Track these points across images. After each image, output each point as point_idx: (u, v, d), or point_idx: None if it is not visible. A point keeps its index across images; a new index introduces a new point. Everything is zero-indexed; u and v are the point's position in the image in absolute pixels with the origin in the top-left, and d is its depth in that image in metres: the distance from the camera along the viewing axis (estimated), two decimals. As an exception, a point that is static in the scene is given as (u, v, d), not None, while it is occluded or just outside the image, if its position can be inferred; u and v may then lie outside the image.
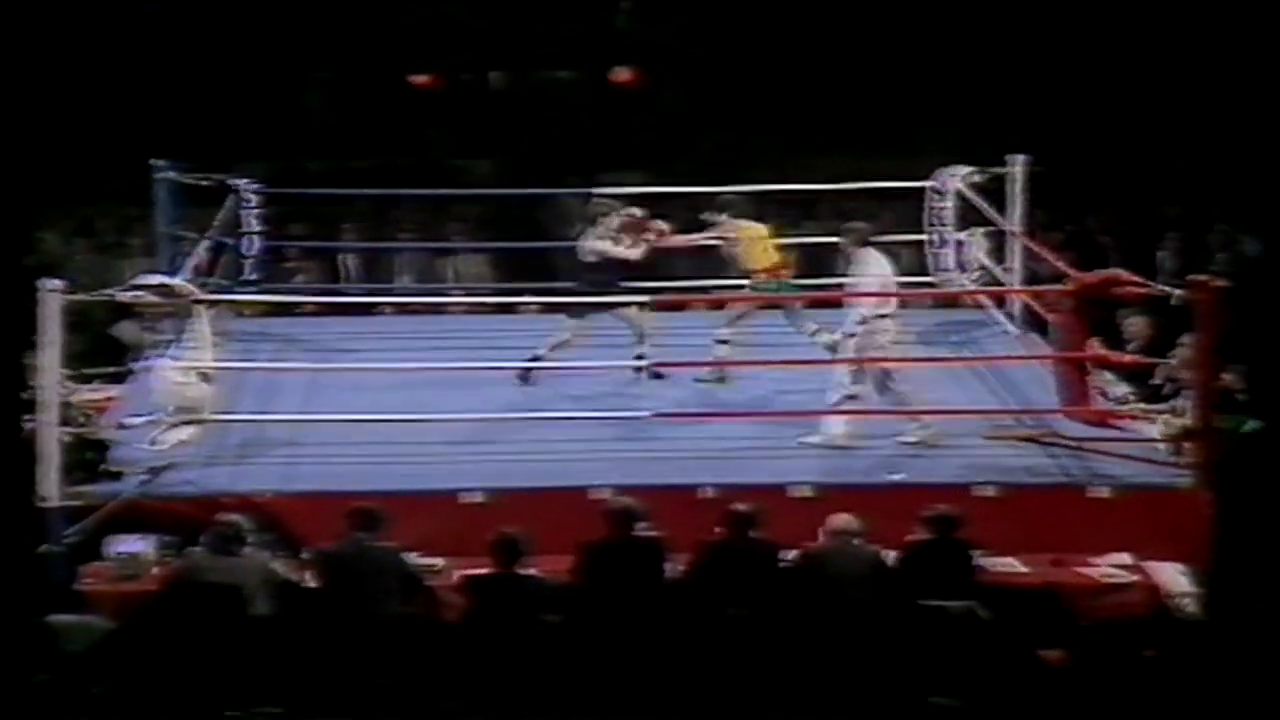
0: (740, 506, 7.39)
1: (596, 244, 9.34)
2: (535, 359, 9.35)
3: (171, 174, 10.63)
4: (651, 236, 9.46)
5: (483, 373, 9.23)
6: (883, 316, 8.50)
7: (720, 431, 8.67)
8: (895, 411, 8.49)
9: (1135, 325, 9.57)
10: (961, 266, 10.53)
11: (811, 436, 8.47)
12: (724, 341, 9.44)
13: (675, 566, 7.37)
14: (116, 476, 8.06)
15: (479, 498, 7.99)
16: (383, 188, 12.34)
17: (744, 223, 9.46)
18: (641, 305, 9.30)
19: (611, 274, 9.33)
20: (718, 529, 7.38)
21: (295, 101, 14.39)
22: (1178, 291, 8.09)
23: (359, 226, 12.79)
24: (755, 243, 9.41)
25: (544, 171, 13.06)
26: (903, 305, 8.82)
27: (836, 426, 8.48)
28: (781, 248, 9.57)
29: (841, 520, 7.35)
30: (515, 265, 12.18)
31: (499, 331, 10.36)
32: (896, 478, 8.14)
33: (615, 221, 9.42)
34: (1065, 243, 12.00)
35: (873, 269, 8.59)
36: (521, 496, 7.97)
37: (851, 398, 8.48)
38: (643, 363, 9.20)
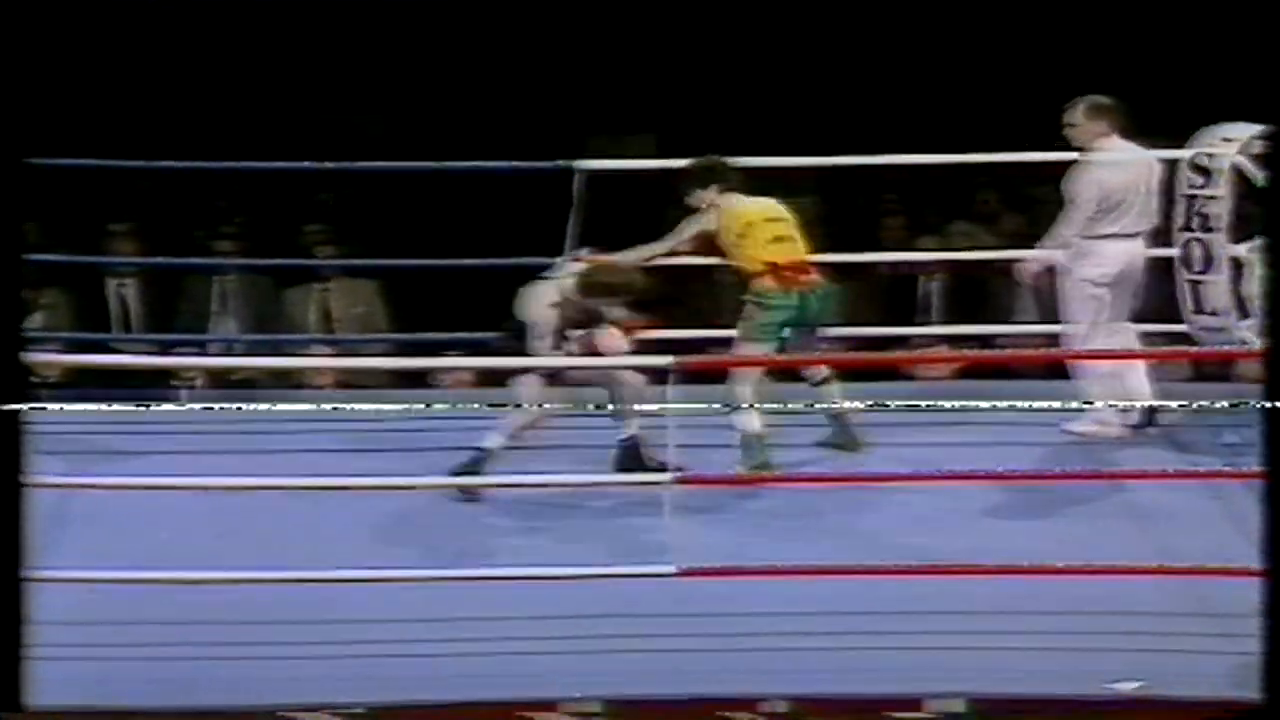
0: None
1: None
2: (478, 456, 9.57)
3: None
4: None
5: (368, 493, 9.36)
6: None
7: (786, 595, 8.72)
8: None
9: None
10: (1241, 303, 10.49)
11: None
12: None
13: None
14: None
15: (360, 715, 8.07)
16: (192, 158, 12.22)
17: (736, 199, 10.22)
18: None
19: None
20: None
21: (48, 10, 14.42)
22: None
23: (145, 229, 12.96)
24: (753, 228, 10.11)
25: (482, 134, 13.05)
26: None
27: None
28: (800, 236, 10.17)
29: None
30: (429, 299, 12.27)
31: (400, 419, 10.55)
32: (1128, 688, 8.13)
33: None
34: None
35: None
36: (440, 715, 8.04)
37: None
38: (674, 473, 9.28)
